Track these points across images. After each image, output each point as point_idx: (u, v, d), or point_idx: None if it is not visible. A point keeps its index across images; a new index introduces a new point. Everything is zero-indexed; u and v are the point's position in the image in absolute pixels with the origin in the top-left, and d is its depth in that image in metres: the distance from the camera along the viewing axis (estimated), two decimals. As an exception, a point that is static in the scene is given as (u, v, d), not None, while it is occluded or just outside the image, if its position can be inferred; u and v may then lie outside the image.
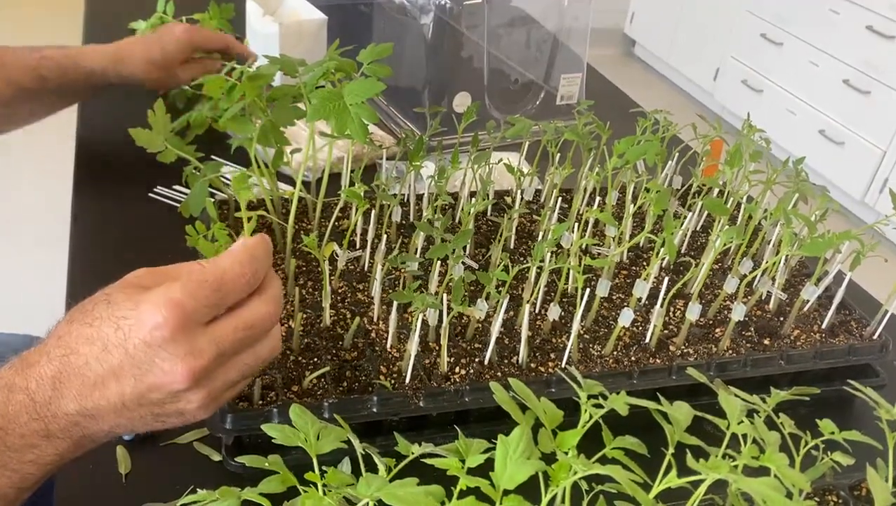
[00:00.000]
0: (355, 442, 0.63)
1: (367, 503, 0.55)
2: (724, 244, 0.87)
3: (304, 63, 0.95)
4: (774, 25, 4.06)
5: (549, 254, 0.88)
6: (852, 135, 3.70)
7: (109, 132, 1.40)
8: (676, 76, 4.88)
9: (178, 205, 1.20)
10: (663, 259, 0.98)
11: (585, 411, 0.65)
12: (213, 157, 1.20)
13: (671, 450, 0.61)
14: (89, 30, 1.78)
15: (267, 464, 0.60)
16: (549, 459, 0.59)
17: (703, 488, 0.61)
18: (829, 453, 0.72)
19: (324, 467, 0.59)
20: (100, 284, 0.93)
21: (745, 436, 0.64)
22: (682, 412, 0.64)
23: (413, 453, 0.63)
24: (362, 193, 0.93)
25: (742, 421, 0.65)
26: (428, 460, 0.60)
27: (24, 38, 3.96)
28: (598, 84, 1.76)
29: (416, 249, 0.96)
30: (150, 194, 1.21)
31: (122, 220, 1.18)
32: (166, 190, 1.22)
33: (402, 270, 0.95)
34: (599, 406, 0.64)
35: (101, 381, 0.59)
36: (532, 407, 0.62)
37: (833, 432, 0.69)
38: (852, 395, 0.77)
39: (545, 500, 0.56)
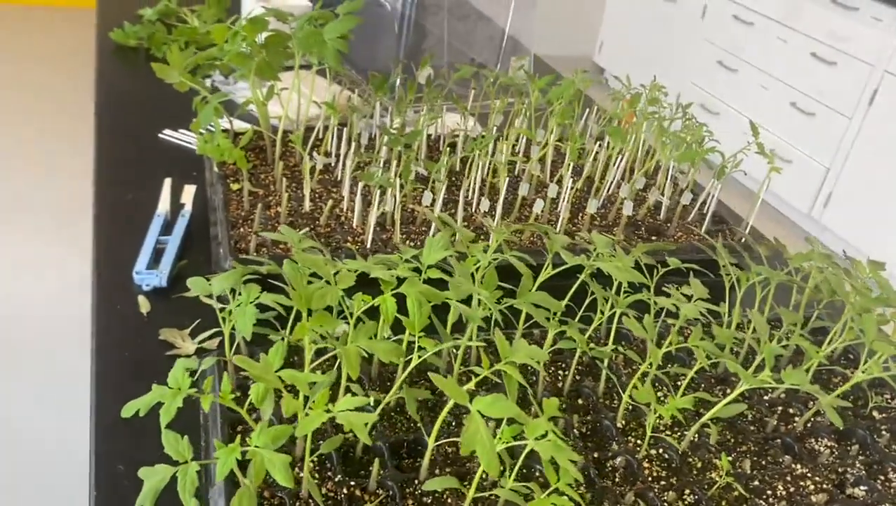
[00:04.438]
0: (327, 255, 0.87)
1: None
2: (614, 147, 1.12)
3: (293, 14, 1.21)
4: (729, 53, 4.39)
5: (479, 154, 1.13)
6: (799, 153, 4.00)
7: (125, 85, 1.65)
8: (641, 101, 5.18)
9: (184, 143, 1.44)
10: (574, 175, 1.23)
11: (495, 237, 0.89)
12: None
13: (551, 255, 0.86)
14: (102, 19, 2.03)
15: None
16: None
17: (575, 287, 0.85)
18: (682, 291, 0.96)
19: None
20: (122, 201, 1.18)
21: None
22: (560, 237, 0.89)
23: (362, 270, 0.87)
24: (338, 121, 1.17)
25: (606, 250, 0.90)
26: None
27: (42, 28, 4.27)
28: (544, 69, 2.02)
29: (380, 162, 1.21)
30: (160, 136, 1.46)
31: (138, 154, 1.42)
32: (173, 132, 1.46)
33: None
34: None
35: None
36: (451, 225, 0.87)
37: (678, 265, 0.94)
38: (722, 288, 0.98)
39: (458, 273, 0.79)
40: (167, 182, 1.26)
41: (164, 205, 1.22)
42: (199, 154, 1.15)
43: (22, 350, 2.31)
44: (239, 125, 1.30)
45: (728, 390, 0.92)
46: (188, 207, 1.22)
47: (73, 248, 2.61)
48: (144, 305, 1.04)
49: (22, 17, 4.64)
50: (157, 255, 1.12)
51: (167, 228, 1.18)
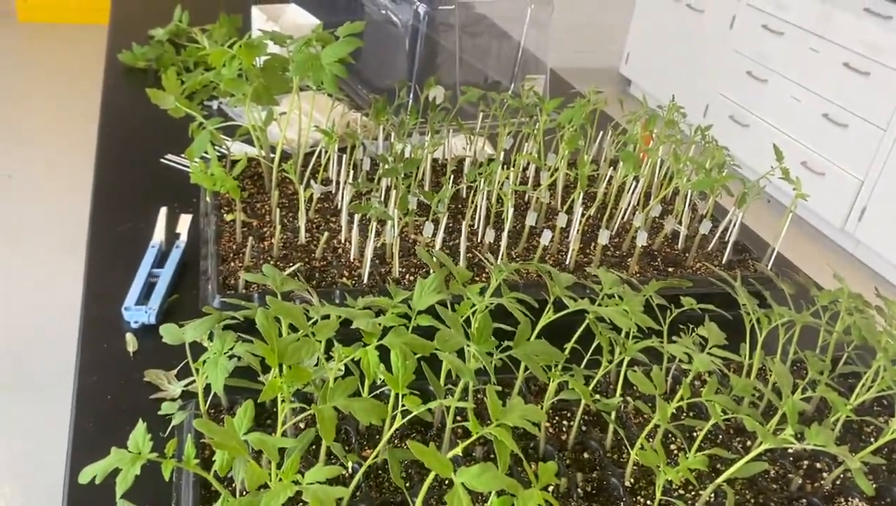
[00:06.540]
0: (314, 297, 0.82)
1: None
2: (625, 176, 1.05)
3: (292, 37, 1.16)
4: (759, 63, 4.28)
5: (484, 181, 1.07)
6: (832, 166, 3.88)
7: (130, 108, 1.62)
8: (668, 113, 5.08)
9: (186, 169, 1.40)
10: (586, 203, 1.16)
11: (494, 277, 0.83)
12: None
13: (552, 298, 0.79)
14: (113, 39, 2.00)
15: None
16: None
17: (581, 329, 0.79)
18: (695, 330, 0.89)
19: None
20: (118, 230, 1.12)
21: (612, 296, 0.82)
22: (564, 277, 0.82)
23: (358, 306, 0.81)
24: (337, 144, 1.12)
25: (614, 289, 0.83)
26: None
27: (58, 48, 4.29)
28: (561, 87, 1.95)
29: (381, 190, 1.15)
30: (162, 161, 1.41)
31: (138, 180, 1.38)
32: (175, 157, 1.42)
33: (367, 199, 1.14)
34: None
35: None
36: (447, 265, 0.81)
37: (693, 306, 0.87)
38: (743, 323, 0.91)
39: (449, 321, 0.73)
40: (163, 211, 1.21)
41: (158, 235, 1.17)
42: (192, 183, 1.10)
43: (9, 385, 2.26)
44: (244, 150, 1.26)
45: (748, 442, 0.85)
46: (183, 238, 1.17)
47: (74, 276, 2.57)
48: (132, 343, 0.99)
49: (46, 35, 4.67)
50: (150, 288, 1.07)
51: (162, 259, 1.13)
